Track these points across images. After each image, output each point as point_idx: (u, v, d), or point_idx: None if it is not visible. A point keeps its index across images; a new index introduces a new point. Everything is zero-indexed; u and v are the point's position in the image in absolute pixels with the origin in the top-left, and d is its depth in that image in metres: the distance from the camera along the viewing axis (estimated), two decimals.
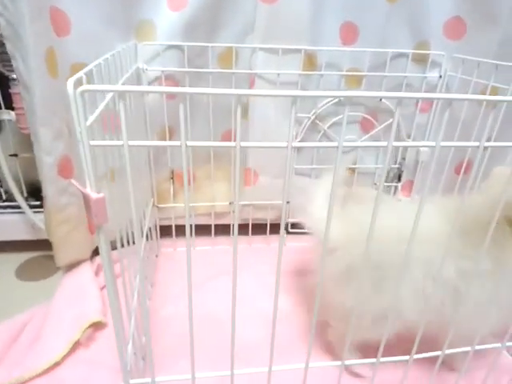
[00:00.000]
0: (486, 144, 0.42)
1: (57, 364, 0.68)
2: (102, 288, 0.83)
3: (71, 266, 0.87)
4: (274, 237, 1.06)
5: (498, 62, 0.77)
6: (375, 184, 1.04)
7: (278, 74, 0.86)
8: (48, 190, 0.74)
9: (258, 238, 1.05)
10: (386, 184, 1.05)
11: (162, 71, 0.82)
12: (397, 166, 1.03)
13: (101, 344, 0.72)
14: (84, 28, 0.76)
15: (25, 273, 0.92)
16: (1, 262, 0.94)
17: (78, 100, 0.34)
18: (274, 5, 0.80)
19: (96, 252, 0.88)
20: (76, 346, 0.70)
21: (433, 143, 0.41)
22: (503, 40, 0.84)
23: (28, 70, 0.65)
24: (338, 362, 0.53)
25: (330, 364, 0.58)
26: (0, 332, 0.71)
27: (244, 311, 0.78)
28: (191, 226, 0.98)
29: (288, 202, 1.01)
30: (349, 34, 0.87)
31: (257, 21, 0.82)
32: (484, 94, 0.83)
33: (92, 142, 0.36)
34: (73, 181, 0.38)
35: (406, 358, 0.53)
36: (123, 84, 0.66)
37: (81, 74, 0.39)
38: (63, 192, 0.77)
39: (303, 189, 1.01)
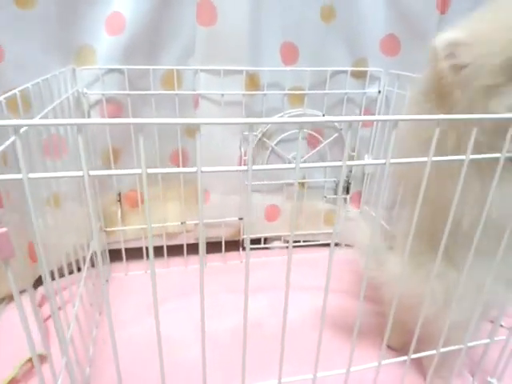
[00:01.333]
0: (434, 159, 0.43)
1: None
2: (46, 319, 0.80)
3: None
4: (230, 254, 1.06)
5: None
6: (325, 197, 1.06)
7: (222, 95, 0.87)
8: None
9: (214, 257, 1.04)
10: (334, 197, 1.07)
11: (103, 94, 0.82)
12: (344, 178, 1.06)
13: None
14: (20, 55, 0.75)
15: None
16: None
17: None
18: (212, 27, 0.81)
19: (39, 281, 0.85)
20: (13, 383, 0.67)
21: (383, 161, 0.43)
22: None
23: None
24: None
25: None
26: None
27: (193, 334, 0.78)
28: (145, 248, 0.96)
29: (241, 219, 1.02)
30: (289, 53, 0.90)
31: (197, 43, 0.83)
32: None
33: None
34: None
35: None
36: (55, 108, 0.65)
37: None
38: None
39: (255, 205, 1.03)
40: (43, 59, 0.76)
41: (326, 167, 1.04)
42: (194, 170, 0.39)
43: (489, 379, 0.68)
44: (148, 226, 0.40)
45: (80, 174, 0.36)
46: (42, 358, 0.72)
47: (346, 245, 1.11)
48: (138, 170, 0.37)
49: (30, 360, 0.69)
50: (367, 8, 0.86)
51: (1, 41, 0.73)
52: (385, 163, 0.43)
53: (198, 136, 0.37)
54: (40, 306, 0.83)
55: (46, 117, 0.64)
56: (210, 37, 0.82)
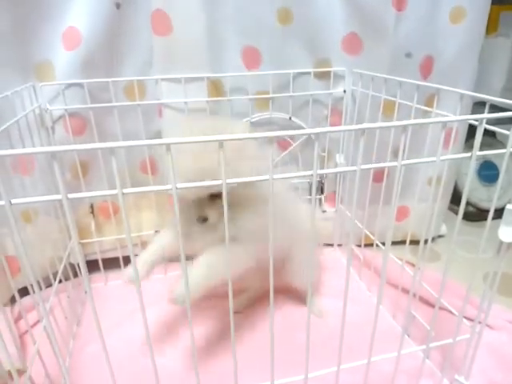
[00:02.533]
0: (404, 162, 0.48)
1: None
2: (22, 335, 0.81)
3: None
4: None
5: (386, 76, 0.80)
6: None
7: (186, 102, 0.87)
8: None
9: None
10: (309, 197, 1.07)
11: (66, 109, 0.82)
12: (318, 179, 1.05)
13: None
14: None
15: None
16: None
17: None
18: (168, 36, 0.81)
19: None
20: None
21: (354, 167, 0.47)
22: (393, 54, 0.88)
23: None
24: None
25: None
26: None
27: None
28: (121, 257, 0.97)
29: None
30: (251, 57, 0.90)
31: (155, 53, 0.83)
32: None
33: None
34: None
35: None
36: (18, 124, 0.67)
37: None
38: None
39: None
40: (2, 75, 0.77)
41: (298, 168, 1.04)
42: (169, 187, 0.41)
43: (456, 377, 0.68)
44: (127, 237, 0.43)
45: (59, 197, 0.39)
46: (20, 372, 0.74)
47: (326, 244, 1.12)
48: (114, 191, 0.40)
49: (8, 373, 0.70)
50: (324, 8, 0.85)
51: None
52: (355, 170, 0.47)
53: (169, 157, 0.39)
54: (15, 322, 0.84)
55: (7, 132, 0.66)
56: (168, 46, 0.82)
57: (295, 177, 0.48)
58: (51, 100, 0.82)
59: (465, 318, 0.67)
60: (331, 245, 1.13)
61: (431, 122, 0.45)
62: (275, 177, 0.44)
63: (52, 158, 0.37)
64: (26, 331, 0.80)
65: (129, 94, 0.87)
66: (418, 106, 0.73)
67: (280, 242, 0.54)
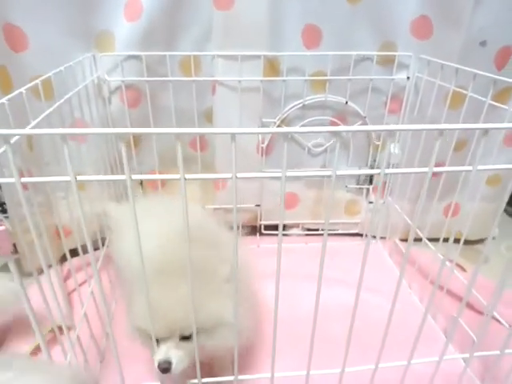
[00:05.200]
0: (480, 168, 0.45)
1: None
2: (70, 293, 0.86)
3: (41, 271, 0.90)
4: (248, 239, 1.07)
5: (458, 66, 0.74)
6: (346, 186, 1.04)
7: (240, 81, 0.86)
8: (9, 200, 0.77)
9: None
10: (357, 186, 1.04)
11: (123, 81, 0.83)
12: (368, 168, 1.02)
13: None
14: (42, 41, 0.77)
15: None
16: None
17: None
18: (229, 11, 0.79)
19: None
20: (37, 349, 0.73)
21: (425, 169, 0.44)
22: (465, 41, 0.81)
23: None
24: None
25: None
26: None
27: None
28: None
29: (259, 205, 1.02)
30: (311, 37, 0.85)
31: (214, 28, 0.81)
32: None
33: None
34: None
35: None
36: (79, 94, 0.68)
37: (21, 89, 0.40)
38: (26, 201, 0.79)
39: (273, 192, 1.03)
40: (65, 45, 0.79)
41: (348, 155, 1.00)
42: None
43: None
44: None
45: (123, 177, 0.39)
46: (63, 329, 0.79)
47: (372, 236, 1.09)
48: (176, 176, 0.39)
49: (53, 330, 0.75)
50: None
51: (25, 29, 0.75)
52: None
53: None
54: (64, 280, 0.89)
55: (69, 102, 0.68)
56: (228, 21, 0.80)
57: (359, 173, 0.46)
58: (110, 71, 0.83)
59: None
60: (374, 237, 1.10)
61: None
62: None
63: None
64: (74, 290, 0.85)
65: (184, 69, 0.87)
66: (492, 102, 0.68)
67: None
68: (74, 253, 0.66)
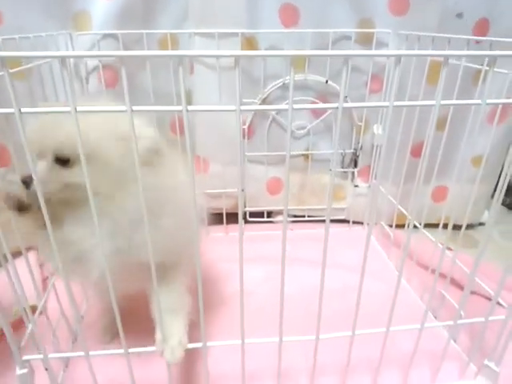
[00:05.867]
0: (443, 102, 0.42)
1: None
2: (45, 279, 0.83)
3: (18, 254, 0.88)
4: (232, 226, 1.04)
5: (434, 34, 0.74)
6: (330, 170, 1.02)
7: (217, 58, 0.85)
8: None
9: (216, 228, 1.04)
10: (342, 170, 1.02)
11: (100, 60, 0.83)
12: (352, 150, 1.00)
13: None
14: (18, 21, 0.77)
15: None
16: None
17: None
18: None
19: None
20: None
21: (386, 103, 0.42)
22: (442, 15, 0.81)
23: None
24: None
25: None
26: None
27: None
28: None
29: (243, 190, 1.00)
30: (289, 15, 0.86)
31: (190, 5, 0.82)
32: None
33: None
34: None
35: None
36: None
37: None
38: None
39: (257, 177, 1.01)
40: (42, 24, 0.79)
41: (331, 137, 0.99)
42: (179, 108, 0.38)
43: (486, 362, 0.62)
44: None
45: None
46: (35, 309, 0.76)
47: (354, 222, 1.07)
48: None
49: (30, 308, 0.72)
50: None
51: (1, 8, 0.75)
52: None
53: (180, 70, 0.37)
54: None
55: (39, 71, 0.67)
56: None
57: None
58: (87, 50, 0.83)
59: (499, 304, 0.62)
60: (361, 223, 1.08)
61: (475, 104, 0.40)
62: None
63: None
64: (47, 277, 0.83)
65: (162, 48, 0.86)
66: (469, 64, 0.67)
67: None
68: None
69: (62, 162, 0.47)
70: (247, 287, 0.80)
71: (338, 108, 0.39)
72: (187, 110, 0.37)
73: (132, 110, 0.37)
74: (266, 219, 1.06)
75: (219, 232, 1.03)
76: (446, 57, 0.40)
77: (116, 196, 0.48)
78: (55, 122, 0.47)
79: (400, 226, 0.91)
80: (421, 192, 0.77)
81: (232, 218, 1.04)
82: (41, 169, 0.47)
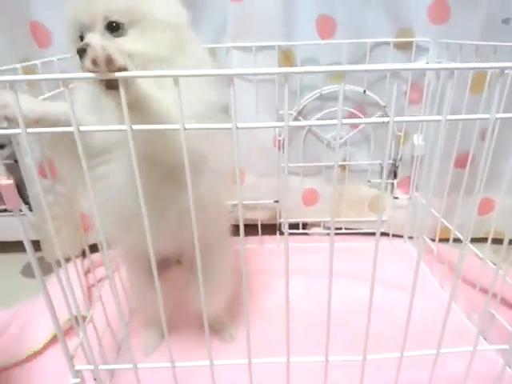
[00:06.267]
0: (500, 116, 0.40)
1: (38, 353, 0.72)
2: (90, 287, 0.86)
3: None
4: (267, 238, 1.04)
5: (477, 43, 0.71)
6: (369, 182, 1.00)
7: (255, 74, 0.86)
8: (32, 190, 0.79)
9: (251, 239, 1.03)
10: (380, 181, 1.00)
11: None
12: (391, 161, 0.98)
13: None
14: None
15: (29, 271, 0.98)
16: (8, 261, 1.02)
17: None
18: (243, 2, 0.81)
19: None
20: (55, 339, 0.72)
21: (439, 117, 0.40)
22: (486, 21, 0.78)
23: None
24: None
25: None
26: None
27: None
28: None
29: (277, 201, 1.00)
30: (325, 27, 0.86)
31: (229, 20, 0.84)
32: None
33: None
34: None
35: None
36: None
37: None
38: (48, 191, 0.82)
39: (292, 188, 1.00)
40: None
41: (369, 148, 0.97)
42: (229, 125, 0.39)
43: None
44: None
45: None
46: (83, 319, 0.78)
47: (394, 234, 1.03)
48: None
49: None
50: None
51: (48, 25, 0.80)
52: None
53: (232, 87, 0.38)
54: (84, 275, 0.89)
55: None
56: (242, 13, 0.82)
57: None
58: None
59: None
60: (401, 236, 1.04)
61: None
62: None
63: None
64: (93, 285, 0.85)
65: None
66: None
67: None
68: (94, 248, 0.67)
69: (114, 29, 0.45)
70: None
71: (389, 122, 0.38)
72: (237, 128, 0.37)
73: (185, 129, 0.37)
74: (301, 231, 1.05)
75: (254, 243, 1.03)
76: (503, 69, 0.38)
77: (174, 59, 0.47)
78: None
79: (443, 239, 0.86)
80: (465, 204, 0.73)
81: (266, 229, 1.04)
82: (95, 39, 0.44)
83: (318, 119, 0.93)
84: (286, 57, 0.87)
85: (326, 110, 0.92)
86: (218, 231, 0.61)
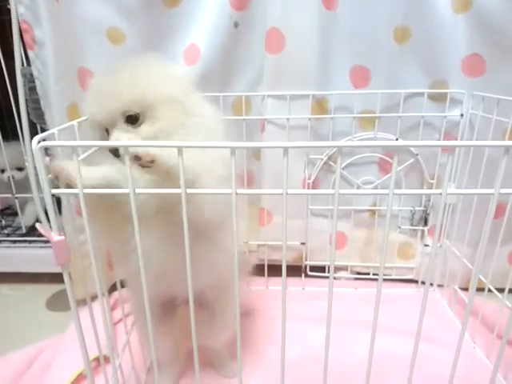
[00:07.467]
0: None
1: None
2: (116, 323, 0.87)
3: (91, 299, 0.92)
4: (291, 279, 1.03)
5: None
6: (399, 228, 0.99)
7: (288, 119, 0.88)
8: (66, 228, 0.82)
9: (275, 280, 1.03)
10: (411, 227, 0.99)
11: None
12: (422, 208, 0.97)
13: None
14: None
15: (54, 303, 1.00)
16: (33, 292, 1.04)
17: (39, 154, 0.39)
18: (279, 54, 0.83)
19: (114, 287, 0.93)
20: (80, 377, 0.73)
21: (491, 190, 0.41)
22: None
23: (53, 123, 0.75)
24: None
25: None
26: (17, 358, 0.77)
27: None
28: None
29: (304, 243, 0.99)
30: (359, 77, 0.87)
31: (265, 70, 0.86)
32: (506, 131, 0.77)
33: (53, 191, 0.41)
34: (37, 225, 0.43)
35: None
36: None
37: (51, 131, 0.44)
38: (81, 230, 0.84)
39: (319, 230, 1.00)
40: None
41: (401, 196, 0.97)
42: (229, 191, 0.41)
43: None
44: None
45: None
46: (107, 359, 0.79)
47: (423, 282, 1.01)
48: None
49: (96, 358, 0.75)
50: (444, 26, 0.80)
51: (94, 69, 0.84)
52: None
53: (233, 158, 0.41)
54: (112, 309, 0.90)
55: None
56: (278, 63, 0.84)
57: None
58: None
59: None
60: (431, 284, 1.02)
61: None
62: None
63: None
64: (120, 319, 0.86)
65: (236, 109, 0.91)
66: None
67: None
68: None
69: (134, 121, 0.50)
70: (310, 351, 0.78)
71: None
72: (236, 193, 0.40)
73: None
74: (327, 274, 1.04)
75: (277, 285, 1.02)
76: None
77: (187, 122, 0.51)
78: (110, 87, 0.50)
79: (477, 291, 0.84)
80: (497, 255, 0.72)
81: (292, 271, 1.03)
82: (118, 134, 0.49)
83: (348, 164, 0.93)
84: (320, 104, 0.88)
85: (357, 156, 0.93)
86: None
